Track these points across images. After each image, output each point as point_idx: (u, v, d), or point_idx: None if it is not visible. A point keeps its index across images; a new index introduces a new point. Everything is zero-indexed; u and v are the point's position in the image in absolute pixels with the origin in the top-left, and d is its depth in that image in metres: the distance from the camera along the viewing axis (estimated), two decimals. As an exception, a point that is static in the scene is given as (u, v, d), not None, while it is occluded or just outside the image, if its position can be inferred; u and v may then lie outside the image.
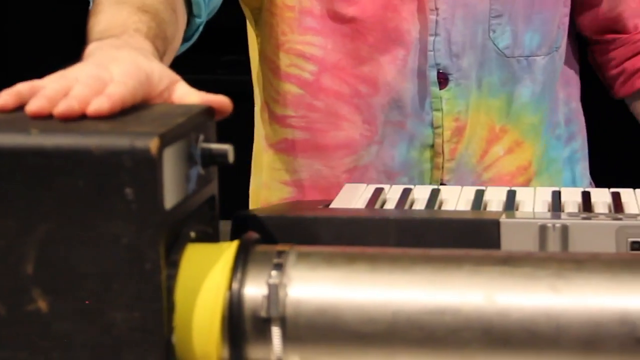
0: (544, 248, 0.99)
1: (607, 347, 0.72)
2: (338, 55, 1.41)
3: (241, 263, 0.77)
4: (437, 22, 1.38)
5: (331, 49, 1.41)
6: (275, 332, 0.75)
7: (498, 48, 1.40)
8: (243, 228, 1.04)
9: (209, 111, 0.85)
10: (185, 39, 1.25)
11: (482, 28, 1.39)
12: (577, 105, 1.52)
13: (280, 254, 0.78)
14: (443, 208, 1.16)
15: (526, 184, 1.45)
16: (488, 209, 1.14)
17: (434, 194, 1.17)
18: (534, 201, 1.15)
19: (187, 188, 0.79)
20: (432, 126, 1.41)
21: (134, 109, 0.82)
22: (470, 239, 1.01)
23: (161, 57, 1.05)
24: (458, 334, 0.73)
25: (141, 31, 1.05)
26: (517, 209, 1.13)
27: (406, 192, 1.18)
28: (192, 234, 0.80)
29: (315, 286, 0.76)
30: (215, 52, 3.04)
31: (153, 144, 0.73)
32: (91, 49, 0.98)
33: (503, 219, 1.01)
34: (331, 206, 1.17)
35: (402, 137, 1.42)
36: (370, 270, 0.77)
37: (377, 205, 1.16)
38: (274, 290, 0.75)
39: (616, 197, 1.13)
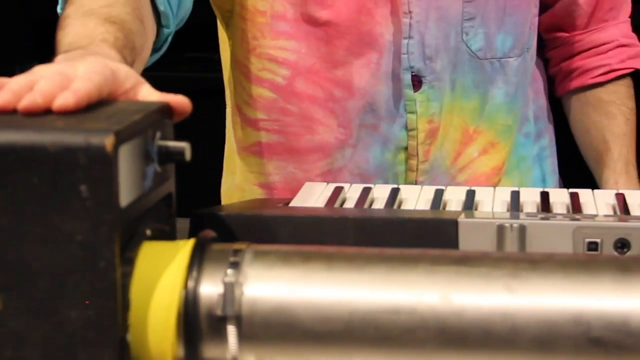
0: (502, 248, 0.99)
1: (561, 347, 0.72)
2: (312, 59, 1.41)
3: (197, 261, 0.77)
4: (410, 25, 1.38)
5: (305, 53, 1.41)
6: (231, 330, 0.75)
7: (471, 50, 1.41)
8: (201, 226, 1.04)
9: (166, 109, 0.85)
10: (155, 50, 1.24)
11: (455, 31, 1.40)
12: (544, 102, 1.53)
13: (236, 252, 0.78)
14: (402, 207, 1.16)
15: (496, 185, 1.46)
16: (447, 208, 1.15)
17: (394, 193, 1.18)
18: (493, 201, 1.15)
19: (143, 185, 0.79)
20: (407, 128, 1.41)
21: (90, 106, 0.82)
22: (429, 238, 1.01)
23: (129, 66, 1.04)
24: (413, 334, 0.73)
25: (108, 41, 1.04)
26: (476, 209, 1.14)
27: (366, 191, 1.19)
28: (148, 232, 0.80)
29: (271, 285, 0.76)
30: (179, 50, 3.02)
31: (108, 141, 0.73)
32: (59, 59, 0.97)
33: (461, 218, 1.01)
34: (291, 204, 1.17)
35: (376, 139, 1.42)
36: (327, 269, 0.76)
37: (337, 204, 1.16)
38: (229, 289, 0.75)
39: (574, 198, 1.14)
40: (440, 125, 1.41)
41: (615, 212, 1.11)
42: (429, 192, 1.19)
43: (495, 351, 0.73)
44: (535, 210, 1.12)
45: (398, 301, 0.74)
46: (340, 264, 0.77)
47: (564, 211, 1.12)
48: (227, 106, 1.53)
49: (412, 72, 1.39)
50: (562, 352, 0.72)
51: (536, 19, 1.47)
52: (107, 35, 1.05)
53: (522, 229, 0.99)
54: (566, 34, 1.52)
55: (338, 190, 1.19)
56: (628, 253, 0.95)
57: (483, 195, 1.18)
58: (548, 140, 1.54)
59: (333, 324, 0.74)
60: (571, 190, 1.17)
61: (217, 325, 0.75)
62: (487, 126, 1.45)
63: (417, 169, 1.42)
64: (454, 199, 1.17)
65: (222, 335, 0.75)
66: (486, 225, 1.00)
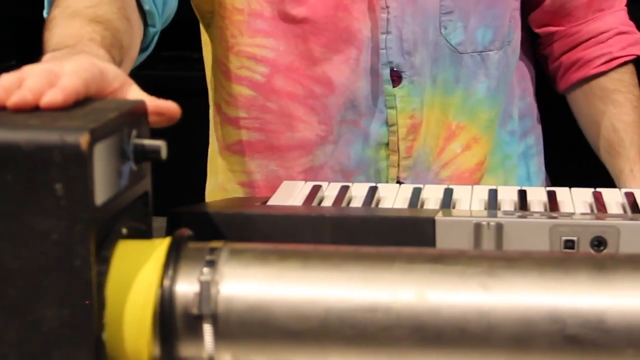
0: (479, 246, 0.99)
1: (537, 345, 0.72)
2: (291, 56, 1.41)
3: (173, 260, 0.77)
4: (388, 20, 1.38)
5: (283, 51, 1.41)
6: (207, 329, 0.74)
7: (451, 44, 1.40)
8: (178, 225, 1.04)
9: (142, 107, 0.84)
10: (142, 49, 1.24)
11: (433, 25, 1.40)
12: (532, 100, 1.53)
13: (212, 251, 0.77)
14: (380, 206, 1.16)
15: (479, 180, 1.46)
16: (425, 207, 1.15)
17: (372, 192, 1.18)
18: (470, 199, 1.16)
19: (119, 184, 0.79)
20: (387, 124, 1.41)
21: None
22: (406, 236, 1.01)
23: (118, 65, 1.04)
24: (389, 331, 0.73)
25: (95, 40, 1.04)
26: (454, 207, 1.14)
27: (344, 190, 1.18)
28: (124, 231, 0.79)
29: (247, 283, 0.76)
30: (156, 47, 3.02)
31: (83, 139, 0.73)
32: (46, 58, 0.97)
33: (439, 217, 1.01)
34: (269, 203, 1.17)
35: (356, 135, 1.42)
36: (303, 267, 0.76)
37: (315, 203, 1.16)
38: (205, 287, 0.75)
39: (552, 196, 1.14)
40: (422, 121, 1.41)
41: (592, 210, 1.11)
42: (406, 190, 1.19)
43: (471, 349, 0.73)
44: (512, 209, 1.12)
45: (374, 299, 0.74)
46: (316, 262, 0.77)
47: (542, 209, 1.12)
48: (210, 107, 1.53)
49: (392, 67, 1.39)
50: (537, 350, 0.73)
51: (517, 12, 1.46)
52: (94, 35, 1.05)
53: (499, 227, 0.99)
54: (562, 28, 1.51)
55: (316, 189, 1.19)
56: (604, 251, 0.96)
57: (461, 193, 1.18)
58: (535, 139, 1.54)
59: (309, 322, 0.74)
60: (548, 188, 1.18)
61: (193, 323, 0.75)
62: (470, 121, 1.45)
63: (398, 165, 1.42)
64: (431, 197, 1.17)
65: (198, 334, 0.75)
66: (463, 223, 1.00)
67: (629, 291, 0.73)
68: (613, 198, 1.14)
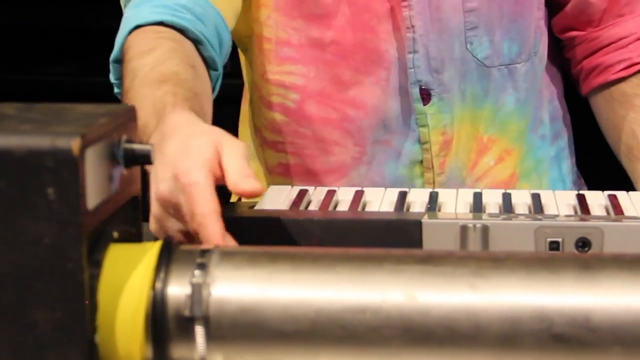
0: (465, 248, 1.01)
1: (525, 344, 0.74)
2: (322, 82, 1.42)
3: (164, 262, 0.77)
4: (414, 39, 1.39)
5: (314, 77, 1.42)
6: (199, 331, 0.75)
7: (477, 59, 1.42)
8: (167, 229, 1.05)
9: (131, 112, 0.85)
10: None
11: (458, 41, 1.41)
12: (561, 102, 1.54)
13: (203, 253, 0.78)
14: (367, 209, 1.17)
15: (514, 188, 1.46)
16: (411, 210, 1.16)
17: (358, 195, 1.19)
18: (455, 202, 1.17)
19: (110, 188, 0.79)
20: (420, 142, 1.42)
21: (55, 109, 0.82)
22: (393, 239, 1.02)
23: (198, 113, 1.08)
24: (379, 332, 0.74)
25: (168, 105, 1.08)
26: (439, 210, 1.15)
27: (330, 194, 1.19)
28: (115, 234, 0.80)
29: (238, 285, 0.77)
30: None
31: (75, 144, 0.73)
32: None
33: (425, 219, 1.02)
34: (256, 207, 1.18)
35: (389, 155, 1.43)
36: (293, 269, 0.77)
37: (302, 207, 1.17)
38: (197, 290, 0.75)
39: (536, 199, 1.16)
40: (454, 136, 1.42)
41: (576, 212, 1.12)
42: (392, 194, 1.20)
43: (460, 348, 0.74)
44: (497, 211, 1.13)
45: (364, 300, 0.75)
46: (306, 264, 0.78)
47: (526, 211, 1.13)
48: (249, 128, 1.53)
49: (421, 86, 1.40)
50: (525, 349, 0.74)
51: (542, 22, 1.47)
52: (167, 97, 1.09)
53: (485, 229, 1.00)
54: (582, 32, 1.51)
55: (303, 193, 1.20)
56: (589, 252, 0.97)
57: (446, 196, 1.19)
58: (566, 140, 1.54)
59: (299, 323, 0.75)
60: (532, 191, 1.19)
61: (185, 325, 0.76)
62: (501, 134, 1.45)
63: (433, 182, 1.42)
64: (417, 200, 1.18)
65: (190, 336, 0.76)
66: (449, 225, 1.01)
67: (614, 290, 0.74)
68: (596, 200, 1.16)
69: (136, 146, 0.83)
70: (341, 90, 1.42)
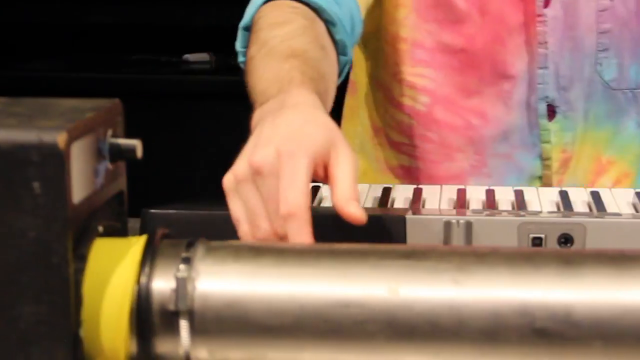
0: (449, 243, 1.01)
1: (506, 338, 0.74)
2: (448, 88, 1.42)
3: (149, 257, 0.78)
4: (546, 55, 1.39)
5: (441, 82, 1.43)
6: (183, 325, 0.75)
7: (604, 81, 1.42)
8: (152, 224, 1.05)
9: (118, 106, 0.85)
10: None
11: (589, 61, 1.41)
12: None
13: (188, 248, 0.79)
14: None
15: None
16: (395, 206, 1.16)
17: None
18: (439, 198, 1.17)
19: (95, 182, 0.80)
20: (541, 158, 1.43)
21: (41, 103, 0.82)
22: (377, 235, 1.03)
23: (322, 95, 1.06)
24: (363, 326, 0.75)
25: (295, 79, 1.05)
26: (423, 206, 1.16)
27: (314, 190, 1.20)
28: (101, 229, 0.80)
29: (223, 280, 0.77)
30: (125, 51, 3.03)
31: (61, 138, 0.73)
32: (256, 119, 1.01)
33: (409, 215, 1.03)
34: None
35: (510, 169, 1.43)
36: (278, 264, 0.78)
37: None
38: (182, 284, 0.76)
39: (519, 195, 1.16)
40: (573, 155, 1.43)
41: (559, 208, 1.13)
42: (376, 190, 1.21)
43: (443, 342, 0.75)
44: (481, 207, 1.14)
45: (348, 295, 0.75)
46: (291, 258, 0.78)
47: (509, 208, 1.14)
48: (359, 125, 1.52)
49: (547, 102, 1.41)
50: (507, 343, 0.74)
51: None
52: (294, 72, 1.06)
53: (469, 225, 1.01)
54: None
55: None
56: (571, 248, 0.98)
57: (430, 193, 1.19)
58: None
59: (284, 317, 0.75)
60: (516, 188, 1.20)
61: (169, 320, 0.76)
62: (620, 156, 1.46)
63: None
64: (401, 197, 1.19)
65: (174, 330, 0.76)
66: (433, 221, 1.02)
67: (595, 285, 0.75)
68: (579, 197, 1.16)
69: (122, 141, 0.83)
70: (464, 98, 1.42)
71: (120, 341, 0.76)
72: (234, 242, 0.81)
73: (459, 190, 1.18)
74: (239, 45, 1.28)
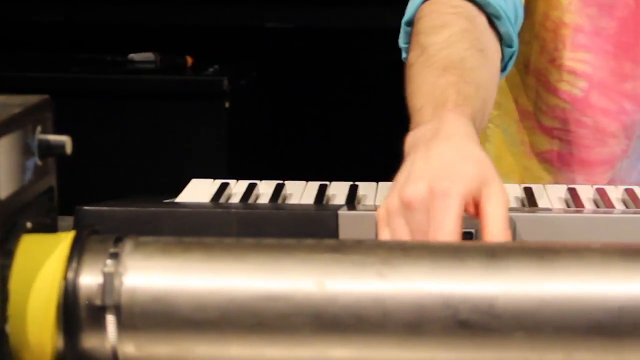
0: (381, 239, 1.02)
1: (430, 330, 0.75)
2: (604, 72, 1.43)
3: (77, 252, 0.78)
4: None
5: (598, 67, 1.43)
6: (110, 320, 0.76)
7: None
8: (85, 221, 1.05)
9: (47, 103, 0.85)
10: (501, 69, 1.25)
11: None
12: None
13: (116, 243, 0.79)
14: (287, 202, 1.19)
15: None
16: (331, 202, 1.17)
17: (278, 188, 1.20)
18: (375, 195, 1.18)
19: (23, 178, 0.80)
20: None
21: None
22: (310, 231, 1.04)
23: (478, 113, 1.07)
24: (289, 320, 0.75)
25: (449, 101, 1.05)
26: (359, 203, 1.17)
27: (251, 187, 1.20)
28: (29, 225, 0.80)
29: (150, 275, 0.77)
30: (70, 50, 3.01)
31: (-14, 134, 0.74)
32: (409, 144, 1.01)
33: (342, 211, 1.04)
34: (177, 200, 1.18)
35: None
36: (206, 259, 0.78)
37: (222, 200, 1.18)
38: (108, 279, 0.76)
39: None
40: None
41: None
42: (313, 187, 1.21)
43: (368, 335, 0.75)
44: None
45: (274, 289, 0.76)
46: (219, 253, 0.79)
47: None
48: (501, 108, 1.52)
49: None
50: (431, 335, 0.75)
51: None
52: (449, 92, 1.06)
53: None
54: None
55: (224, 187, 1.21)
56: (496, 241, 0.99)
57: (366, 190, 1.20)
58: None
59: (211, 312, 0.76)
60: None
61: (96, 315, 0.76)
62: None
63: None
64: (338, 193, 1.20)
65: (101, 325, 0.76)
66: (365, 217, 1.03)
67: (518, 278, 0.76)
68: (512, 193, 1.18)
69: (51, 137, 0.83)
70: (619, 82, 1.43)
71: (46, 336, 0.76)
72: (162, 238, 0.81)
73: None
74: (401, 42, 1.29)
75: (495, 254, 0.77)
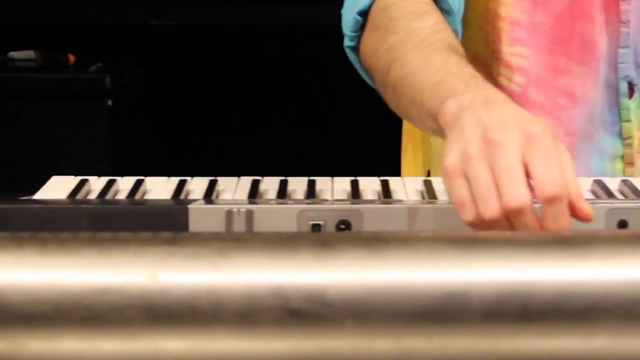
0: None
1: (263, 319, 0.76)
2: (539, 67, 1.41)
3: None
4: (628, 34, 1.39)
5: (534, 62, 1.41)
6: (-59, 316, 0.75)
7: None
8: None
9: None
10: None
11: None
12: None
13: (-51, 239, 0.78)
14: (147, 197, 1.19)
15: None
16: (190, 197, 1.18)
17: (137, 184, 1.20)
18: (235, 190, 1.19)
19: None
20: (621, 137, 1.42)
21: None
22: (162, 225, 1.04)
23: None
24: (122, 312, 0.76)
25: (478, 76, 1.05)
26: (217, 197, 1.17)
27: (110, 183, 1.20)
28: None
29: (-17, 270, 0.77)
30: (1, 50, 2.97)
31: None
32: (453, 111, 0.99)
33: (192, 205, 1.04)
34: (34, 197, 1.18)
35: (593, 149, 1.43)
36: (39, 253, 0.78)
37: (80, 196, 1.17)
38: (-62, 275, 0.76)
39: (312, 186, 1.19)
40: None
41: (348, 197, 1.16)
42: (173, 183, 1.22)
43: (201, 326, 0.76)
44: (272, 197, 1.16)
45: (107, 281, 0.77)
46: (53, 248, 0.79)
47: (302, 197, 1.16)
48: None
49: (627, 81, 1.40)
50: (263, 324, 0.76)
51: None
52: (469, 69, 1.06)
53: (250, 213, 1.03)
54: None
55: (83, 183, 1.20)
56: (328, 232, 1.01)
57: (226, 184, 1.21)
58: None
59: (43, 305, 0.76)
60: (310, 178, 1.22)
61: None
62: None
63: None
64: (196, 188, 1.20)
65: None
66: (215, 210, 1.03)
67: (348, 267, 0.78)
68: (370, 186, 1.20)
69: None
70: (553, 78, 1.42)
71: None
72: (-2, 233, 0.81)
73: (254, 181, 1.20)
74: (349, 30, 1.28)
75: (327, 243, 0.79)
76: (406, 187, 1.21)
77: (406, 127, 1.58)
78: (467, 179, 0.93)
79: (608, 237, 0.81)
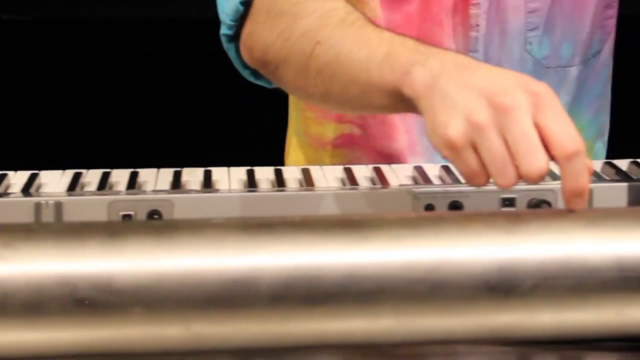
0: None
1: (49, 309, 0.77)
2: None
3: None
4: (477, 38, 1.38)
5: None
6: None
7: (536, 59, 1.40)
8: None
9: None
10: None
11: (518, 42, 1.39)
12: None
13: None
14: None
15: None
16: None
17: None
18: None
19: None
20: None
21: None
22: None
23: None
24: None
25: (429, 46, 1.01)
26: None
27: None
28: None
29: None
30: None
31: None
32: (427, 78, 0.94)
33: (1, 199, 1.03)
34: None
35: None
36: None
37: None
38: None
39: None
40: None
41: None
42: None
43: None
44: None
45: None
46: None
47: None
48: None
49: None
50: (50, 314, 0.77)
51: (610, 21, 1.44)
52: (412, 40, 1.03)
53: (59, 205, 1.02)
54: None
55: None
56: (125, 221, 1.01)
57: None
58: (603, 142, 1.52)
59: None
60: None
61: None
62: None
63: None
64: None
65: None
66: (23, 203, 1.03)
67: (136, 254, 0.78)
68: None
69: None
70: None
71: None
72: None
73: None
74: (228, 19, 1.23)
75: (115, 232, 0.80)
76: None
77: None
78: (476, 149, 0.89)
79: (394, 219, 0.83)
